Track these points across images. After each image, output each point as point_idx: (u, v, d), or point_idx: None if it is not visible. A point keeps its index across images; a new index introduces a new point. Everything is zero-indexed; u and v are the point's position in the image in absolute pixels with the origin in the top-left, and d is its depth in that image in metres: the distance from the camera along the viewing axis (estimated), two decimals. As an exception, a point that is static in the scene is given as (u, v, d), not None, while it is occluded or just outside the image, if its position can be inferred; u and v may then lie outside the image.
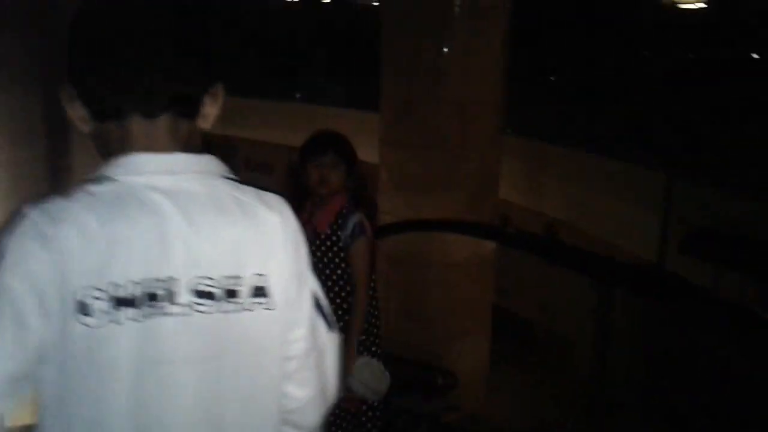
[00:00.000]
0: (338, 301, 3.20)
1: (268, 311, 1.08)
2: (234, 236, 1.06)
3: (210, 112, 1.15)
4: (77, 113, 1.09)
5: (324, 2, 16.07)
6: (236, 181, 1.14)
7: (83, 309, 0.96)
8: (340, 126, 3.69)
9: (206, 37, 1.11)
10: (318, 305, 1.18)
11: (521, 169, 7.37)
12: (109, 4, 1.06)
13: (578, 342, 5.51)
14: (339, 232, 3.14)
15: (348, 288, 3.20)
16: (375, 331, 3.36)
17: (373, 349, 3.32)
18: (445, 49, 4.77)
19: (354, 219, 3.13)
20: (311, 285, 1.18)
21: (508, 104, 5.19)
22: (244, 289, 1.06)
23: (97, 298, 0.97)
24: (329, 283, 3.15)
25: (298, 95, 12.75)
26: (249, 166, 13.04)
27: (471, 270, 5.01)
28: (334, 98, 11.61)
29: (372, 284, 3.29)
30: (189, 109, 1.12)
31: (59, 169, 5.94)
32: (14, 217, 0.99)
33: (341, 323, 3.12)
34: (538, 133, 8.26)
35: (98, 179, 1.04)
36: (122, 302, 0.97)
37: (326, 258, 3.16)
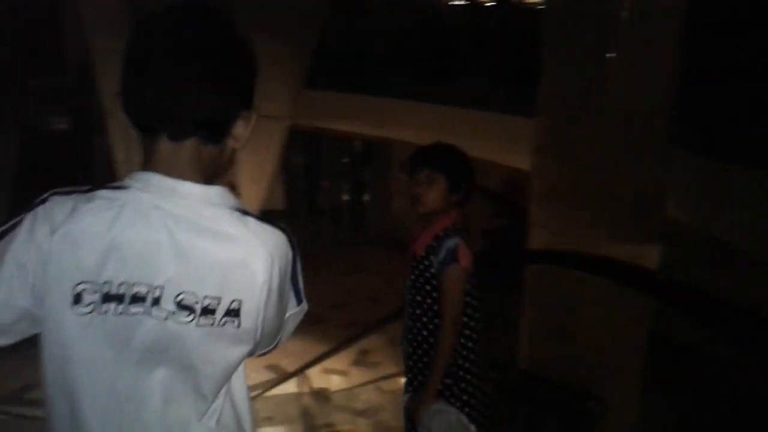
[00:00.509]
0: (425, 333, 2.85)
1: (235, 330, 1.23)
2: (220, 262, 1.19)
3: (241, 134, 1.26)
4: (127, 120, 1.23)
5: (488, 4, 15.89)
6: (242, 212, 1.25)
7: (77, 299, 1.14)
8: (499, 132, 3.52)
9: (242, 69, 1.22)
10: (294, 284, 1.38)
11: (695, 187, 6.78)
12: (157, 32, 1.17)
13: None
14: (431, 257, 2.82)
15: (437, 320, 2.83)
16: (466, 376, 2.85)
17: (464, 398, 2.83)
18: (611, 56, 4.52)
19: (448, 244, 2.75)
20: (291, 287, 1.36)
21: (681, 114, 4.82)
22: (220, 309, 1.20)
23: (90, 292, 1.14)
24: (418, 311, 2.88)
25: (456, 99, 12.71)
26: (402, 168, 13.27)
27: (628, 288, 4.72)
28: (496, 103, 11.41)
29: (469, 320, 2.85)
30: (215, 135, 1.23)
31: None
32: (41, 197, 1.16)
33: (426, 359, 2.84)
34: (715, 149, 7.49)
35: (120, 186, 1.20)
36: (110, 298, 1.14)
37: (418, 283, 2.89)
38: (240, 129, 1.25)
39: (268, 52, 4.63)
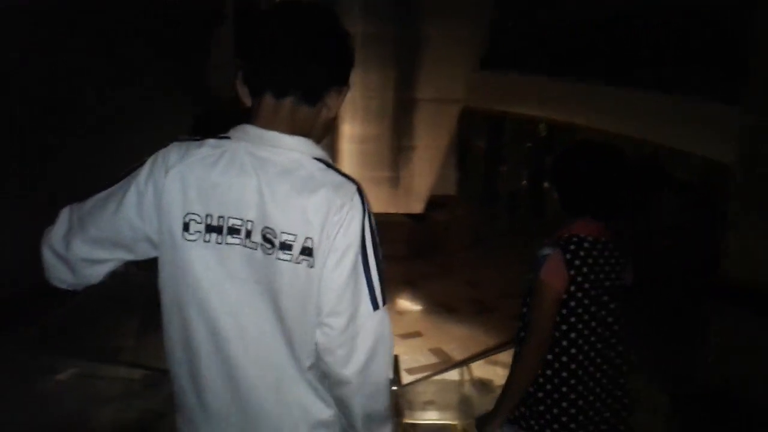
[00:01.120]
0: (517, 350, 2.63)
1: (310, 268, 1.39)
2: (299, 204, 1.38)
3: (333, 104, 1.51)
4: (243, 90, 1.52)
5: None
6: (325, 163, 1.46)
7: (186, 228, 1.39)
8: (690, 118, 3.07)
9: (337, 51, 1.48)
10: (367, 277, 1.43)
11: None
12: (274, 19, 1.45)
13: None
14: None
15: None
16: (550, 410, 2.48)
17: (535, 427, 2.50)
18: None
19: (543, 251, 2.45)
20: (358, 261, 1.41)
21: None
22: (296, 246, 1.38)
23: (196, 222, 1.39)
24: (520, 324, 2.66)
25: (647, 82, 11.71)
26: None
27: None
28: (689, 87, 10.36)
29: (569, 345, 2.46)
30: (310, 98, 1.47)
31: (402, 148, 6.27)
32: (166, 145, 1.46)
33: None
34: None
35: (224, 136, 1.46)
36: (212, 229, 1.38)
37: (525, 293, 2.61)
38: (332, 99, 1.52)
39: (444, 33, 4.44)
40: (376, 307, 1.44)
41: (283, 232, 1.39)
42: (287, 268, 1.40)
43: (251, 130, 1.46)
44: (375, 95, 5.12)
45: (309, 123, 1.50)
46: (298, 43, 1.44)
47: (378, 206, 6.65)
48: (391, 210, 7.22)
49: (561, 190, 2.39)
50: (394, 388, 7.41)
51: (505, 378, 2.78)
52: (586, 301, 2.33)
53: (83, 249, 1.39)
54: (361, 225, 1.43)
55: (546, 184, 14.41)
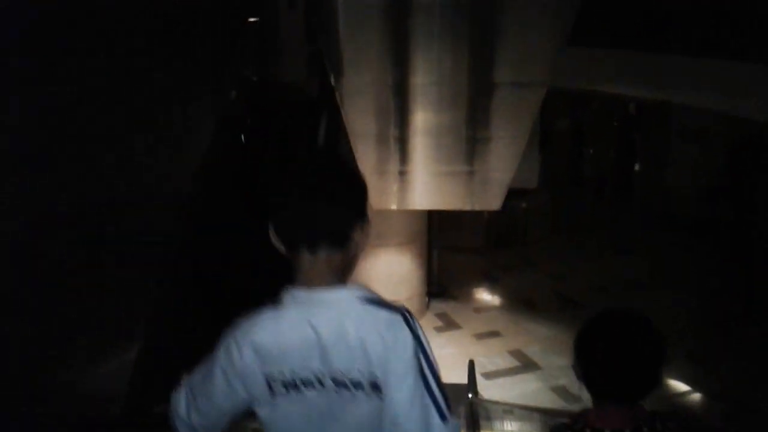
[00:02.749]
0: None
1: (375, 399, 1.54)
2: (358, 347, 1.54)
3: (360, 240, 1.66)
4: (277, 243, 1.66)
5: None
6: (369, 301, 1.60)
7: (270, 388, 1.61)
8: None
9: (357, 194, 1.67)
10: (430, 392, 1.54)
11: None
12: (295, 180, 1.66)
13: None
14: None
15: None
16: None
17: None
18: None
19: None
20: (419, 383, 1.54)
21: None
22: (365, 383, 1.55)
23: (275, 381, 1.61)
24: None
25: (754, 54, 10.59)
26: (684, 135, 11.54)
27: None
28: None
29: None
30: (342, 245, 1.63)
31: (477, 140, 5.68)
32: (233, 325, 1.65)
33: None
34: None
35: (279, 302, 1.64)
36: (288, 385, 1.59)
37: None
38: (358, 235, 1.65)
39: (527, 12, 3.83)
40: (444, 418, 1.55)
41: (350, 375, 1.56)
42: (360, 404, 1.57)
43: (298, 295, 1.63)
44: (448, 80, 4.55)
45: (343, 263, 1.66)
46: (317, 196, 1.60)
47: (452, 203, 5.97)
48: (466, 207, 6.65)
49: (581, 371, 2.03)
50: (470, 395, 6.92)
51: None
52: None
53: (201, 420, 1.69)
54: (414, 350, 1.55)
55: (636, 167, 13.46)
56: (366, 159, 5.91)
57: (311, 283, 1.63)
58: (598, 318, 2.03)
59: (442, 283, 9.92)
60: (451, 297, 9.72)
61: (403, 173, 6.23)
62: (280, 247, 1.65)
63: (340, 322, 1.58)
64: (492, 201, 6.20)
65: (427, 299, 9.42)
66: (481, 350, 8.15)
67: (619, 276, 10.05)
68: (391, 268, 9.03)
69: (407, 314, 1.60)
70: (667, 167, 12.45)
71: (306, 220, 1.62)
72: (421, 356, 1.57)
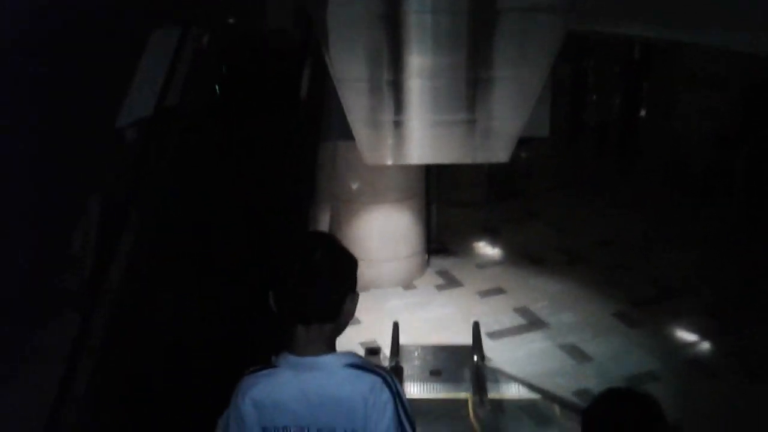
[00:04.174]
0: None
1: None
2: (342, 407, 1.77)
3: (349, 309, 1.87)
4: (275, 309, 1.87)
5: None
6: (354, 366, 1.81)
7: None
8: None
9: (347, 269, 1.88)
10: (399, 423, 1.77)
11: None
12: (290, 256, 1.86)
13: None
14: None
15: None
16: None
17: None
18: None
19: None
20: (399, 430, 1.77)
21: None
22: None
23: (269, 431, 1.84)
24: None
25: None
26: (695, 81, 10.97)
27: None
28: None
29: None
30: (333, 319, 1.84)
31: (479, 80, 5.17)
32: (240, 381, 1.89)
33: None
34: None
35: (275, 366, 1.86)
36: None
37: None
38: (348, 305, 1.86)
39: None
40: None
41: (334, 429, 1.78)
42: None
43: (292, 360, 1.83)
44: (445, 7, 4.02)
45: (334, 331, 1.86)
46: (313, 283, 1.80)
47: (453, 156, 5.37)
48: (468, 161, 6.15)
49: None
50: (475, 359, 6.55)
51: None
52: None
53: None
54: (394, 407, 1.76)
55: (642, 113, 12.93)
56: (356, 109, 5.40)
57: (304, 351, 1.83)
58: (603, 398, 2.12)
59: (443, 240, 9.50)
60: (452, 253, 9.32)
61: (398, 124, 5.72)
62: (276, 313, 1.85)
63: (328, 384, 1.80)
64: (499, 153, 5.69)
65: (427, 256, 9.01)
66: (486, 309, 7.77)
67: (627, 229, 9.64)
68: (388, 226, 8.62)
69: (388, 377, 1.81)
70: (675, 115, 11.93)
71: (301, 300, 1.81)
72: (400, 410, 1.78)
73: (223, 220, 3.69)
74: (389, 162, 6.45)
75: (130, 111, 4.63)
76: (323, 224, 5.25)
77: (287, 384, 1.81)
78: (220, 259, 3.42)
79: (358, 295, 1.87)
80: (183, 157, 4.03)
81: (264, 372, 1.86)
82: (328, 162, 8.17)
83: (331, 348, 1.85)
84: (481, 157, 6.00)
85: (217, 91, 5.20)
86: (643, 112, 12.66)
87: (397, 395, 1.78)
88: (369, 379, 1.78)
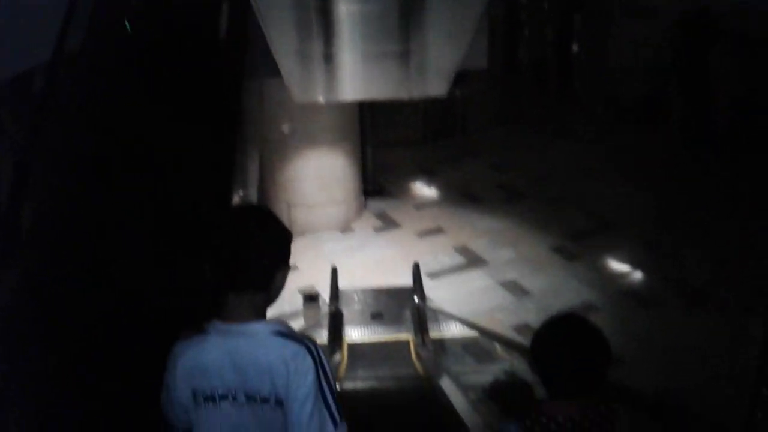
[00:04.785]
0: None
1: (279, 411, 1.87)
2: (267, 371, 1.86)
3: (280, 283, 1.95)
4: (210, 277, 1.93)
5: None
6: (281, 334, 1.90)
7: (195, 400, 1.93)
8: None
9: (279, 243, 1.93)
10: (326, 405, 1.86)
11: None
12: (222, 225, 1.95)
13: None
14: None
15: None
16: None
17: None
18: None
19: (509, 427, 2.26)
20: (314, 397, 1.85)
21: None
22: (271, 400, 1.87)
23: (198, 395, 1.92)
24: None
25: None
26: (628, 12, 10.87)
27: None
28: None
29: None
30: (264, 288, 1.92)
31: (412, 7, 4.86)
32: (173, 348, 1.96)
33: None
34: None
35: (207, 330, 1.92)
36: (208, 398, 1.92)
37: None
38: (279, 278, 1.93)
39: None
40: (336, 424, 1.87)
41: (260, 392, 1.87)
42: (266, 415, 1.88)
43: (221, 327, 1.90)
44: None
45: (265, 301, 1.94)
46: (245, 251, 1.87)
47: (387, 91, 5.06)
48: (403, 96, 5.85)
49: (538, 370, 2.24)
50: (416, 300, 6.42)
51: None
52: None
53: (170, 413, 2.03)
54: (315, 374, 1.85)
55: (575, 48, 12.82)
56: (284, 42, 5.04)
57: (233, 318, 1.90)
58: (551, 323, 2.22)
59: (379, 181, 9.28)
60: (390, 195, 9.13)
61: (328, 57, 5.38)
62: (209, 280, 1.91)
63: (254, 350, 1.87)
64: (436, 86, 5.41)
65: (363, 199, 8.79)
66: (425, 249, 7.64)
67: (563, 164, 9.62)
68: (322, 170, 8.32)
69: (311, 345, 1.88)
70: (609, 47, 11.86)
71: (233, 268, 1.86)
72: (321, 377, 1.86)
73: (135, 173, 3.32)
74: (320, 100, 6.12)
75: (22, 54, 4.14)
76: (252, 171, 4.94)
77: (216, 349, 1.89)
78: (129, 217, 3.08)
79: (289, 268, 1.95)
80: (88, 106, 3.60)
81: (195, 338, 1.94)
82: (255, 104, 7.77)
83: (260, 317, 1.93)
84: (417, 92, 5.72)
85: (128, 27, 4.70)
86: (576, 46, 12.54)
87: (320, 363, 1.87)
88: (293, 347, 1.86)
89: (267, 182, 8.32)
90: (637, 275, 6.95)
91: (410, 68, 5.52)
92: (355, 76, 5.70)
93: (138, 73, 3.93)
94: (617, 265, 7.11)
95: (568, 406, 2.14)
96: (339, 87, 5.85)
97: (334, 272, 6.62)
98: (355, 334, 6.32)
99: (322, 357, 1.89)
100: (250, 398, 1.89)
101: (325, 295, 6.59)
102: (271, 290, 1.93)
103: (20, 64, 4.37)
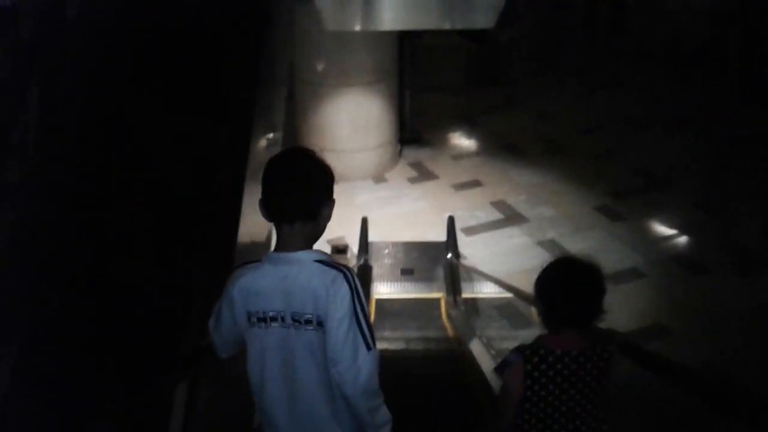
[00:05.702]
0: None
1: (321, 332, 2.08)
2: (310, 295, 2.06)
3: (326, 214, 2.10)
4: (263, 213, 2.12)
5: None
6: (322, 262, 2.06)
7: (250, 321, 2.14)
8: None
9: (324, 179, 2.10)
10: (361, 330, 2.07)
11: None
12: (275, 169, 2.13)
13: None
14: None
15: None
16: None
17: None
18: None
19: (510, 357, 2.48)
20: (349, 320, 2.05)
21: None
22: (314, 321, 2.09)
23: (252, 315, 2.14)
24: None
25: None
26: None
27: None
28: None
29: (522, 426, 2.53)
30: (312, 217, 2.09)
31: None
32: (232, 273, 2.21)
33: None
34: None
35: (262, 259, 2.13)
36: (260, 319, 2.14)
37: None
38: (326, 210, 2.09)
39: None
40: (369, 348, 2.08)
41: (304, 314, 2.08)
42: (309, 335, 2.10)
43: (273, 256, 2.14)
44: None
45: (315, 231, 2.12)
46: (295, 184, 2.08)
47: (428, 21, 4.70)
48: (447, 26, 5.35)
49: (537, 309, 2.47)
50: (449, 256, 6.11)
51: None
52: (542, 405, 2.50)
53: (219, 338, 2.26)
54: (351, 298, 2.06)
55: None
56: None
57: (286, 248, 2.11)
58: (553, 266, 2.43)
59: (416, 129, 8.87)
60: (427, 143, 8.74)
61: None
62: (266, 216, 2.14)
63: (301, 276, 2.10)
64: (483, 17, 4.93)
65: (399, 146, 8.42)
66: (461, 203, 7.30)
67: (613, 115, 9.09)
68: (357, 112, 7.93)
69: (348, 272, 2.08)
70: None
71: (287, 202, 2.07)
72: (357, 303, 2.08)
73: (147, 116, 3.01)
74: (356, 27, 5.66)
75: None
76: (278, 111, 4.59)
77: (268, 276, 2.11)
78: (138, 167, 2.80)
79: (334, 201, 2.11)
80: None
81: (250, 265, 2.17)
82: (285, 38, 7.34)
83: (308, 246, 2.11)
84: (462, 22, 5.24)
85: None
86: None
87: (355, 290, 2.07)
88: (332, 273, 2.06)
89: (300, 125, 8.00)
90: (686, 238, 6.53)
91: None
92: (394, 2, 5.27)
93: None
94: (665, 227, 6.69)
95: (566, 341, 2.40)
96: (376, 14, 5.42)
97: (365, 223, 6.34)
98: (383, 289, 6.07)
99: (357, 285, 2.09)
100: (296, 320, 2.11)
101: (354, 247, 6.33)
102: (319, 221, 2.10)
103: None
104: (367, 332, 2.09)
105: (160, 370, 2.42)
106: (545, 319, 2.45)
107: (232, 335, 2.23)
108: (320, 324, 2.08)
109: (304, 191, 2.08)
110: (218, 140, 3.09)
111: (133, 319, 2.43)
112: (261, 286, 2.12)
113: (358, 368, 2.09)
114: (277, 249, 2.15)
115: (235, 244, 2.98)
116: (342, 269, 2.08)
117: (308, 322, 2.11)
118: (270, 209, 2.11)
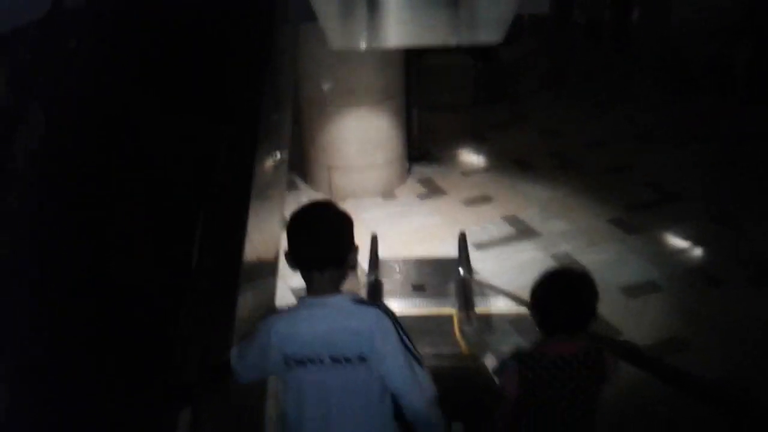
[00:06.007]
0: None
1: (362, 366, 2.20)
2: (347, 335, 2.18)
3: (353, 260, 2.23)
4: (291, 265, 2.24)
5: None
6: (358, 302, 2.23)
7: (287, 364, 2.24)
8: None
9: (347, 228, 2.21)
10: (411, 352, 2.18)
11: None
12: (302, 221, 2.23)
13: None
14: None
15: None
16: None
17: None
18: None
19: (507, 361, 2.67)
20: (401, 350, 2.17)
21: None
22: (353, 358, 2.20)
23: (290, 359, 2.23)
24: None
25: None
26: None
27: None
28: None
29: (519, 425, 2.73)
30: (340, 264, 2.22)
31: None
32: (264, 319, 2.28)
33: None
34: None
35: (298, 302, 2.26)
36: (299, 362, 2.23)
37: None
38: (352, 257, 2.24)
39: None
40: (421, 366, 2.20)
41: (344, 353, 2.19)
42: (348, 372, 2.21)
43: (308, 300, 2.23)
44: None
45: (341, 277, 2.23)
46: (324, 237, 2.20)
47: (434, 37, 4.64)
48: (454, 42, 5.32)
49: (534, 316, 2.61)
50: (460, 271, 6.02)
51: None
52: (537, 407, 2.63)
53: (241, 368, 2.37)
54: (395, 331, 2.17)
55: (635, 4, 12.05)
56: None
57: (318, 293, 2.23)
58: (548, 275, 2.57)
59: (424, 146, 8.83)
60: (435, 160, 8.69)
61: (372, -1, 4.91)
62: (294, 268, 2.24)
63: (337, 318, 2.20)
64: (490, 33, 4.89)
65: (408, 164, 8.38)
66: (472, 218, 7.22)
67: (622, 130, 9.04)
68: (365, 131, 7.90)
69: (382, 306, 2.23)
70: (671, 8, 11.10)
71: (316, 252, 2.19)
72: (401, 333, 2.20)
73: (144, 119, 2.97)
74: (361, 46, 5.63)
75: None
76: (285, 132, 4.55)
77: (305, 320, 2.22)
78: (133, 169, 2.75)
79: (358, 247, 2.24)
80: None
81: (285, 310, 2.32)
82: (290, 57, 7.34)
83: (338, 290, 2.24)
84: (469, 38, 5.20)
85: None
86: (635, 2, 11.79)
87: (396, 321, 2.20)
88: (372, 311, 2.20)
89: (307, 143, 7.97)
90: (702, 251, 6.42)
91: (461, 9, 5.01)
92: (400, 20, 5.21)
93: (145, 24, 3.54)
94: (680, 240, 6.59)
95: (561, 346, 2.54)
96: (382, 32, 5.37)
97: (374, 240, 6.27)
98: (394, 306, 5.91)
99: (394, 314, 2.23)
100: (335, 360, 2.22)
101: (364, 264, 6.26)
102: (346, 267, 2.24)
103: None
104: (415, 352, 2.22)
105: (161, 381, 2.41)
106: (540, 325, 2.60)
107: (258, 371, 2.38)
108: (362, 359, 2.21)
109: (333, 242, 2.21)
110: (221, 140, 3.03)
111: (133, 319, 2.39)
112: (298, 330, 2.23)
113: (421, 386, 2.23)
114: (310, 294, 2.25)
115: (242, 247, 2.90)
116: (377, 305, 2.25)
117: (347, 360, 2.22)
118: (299, 260, 2.22)
